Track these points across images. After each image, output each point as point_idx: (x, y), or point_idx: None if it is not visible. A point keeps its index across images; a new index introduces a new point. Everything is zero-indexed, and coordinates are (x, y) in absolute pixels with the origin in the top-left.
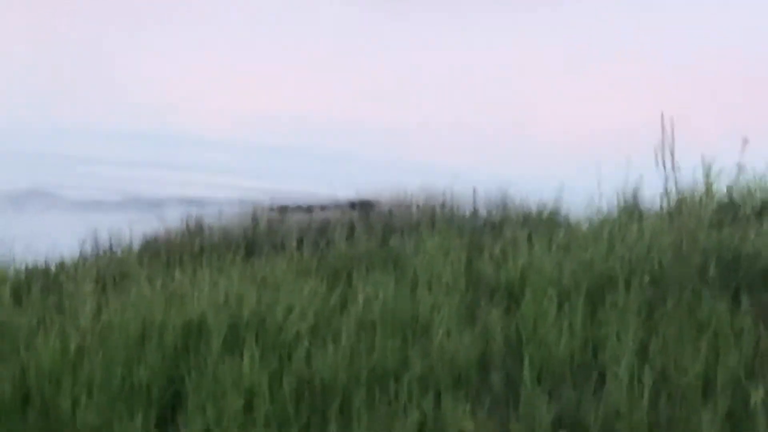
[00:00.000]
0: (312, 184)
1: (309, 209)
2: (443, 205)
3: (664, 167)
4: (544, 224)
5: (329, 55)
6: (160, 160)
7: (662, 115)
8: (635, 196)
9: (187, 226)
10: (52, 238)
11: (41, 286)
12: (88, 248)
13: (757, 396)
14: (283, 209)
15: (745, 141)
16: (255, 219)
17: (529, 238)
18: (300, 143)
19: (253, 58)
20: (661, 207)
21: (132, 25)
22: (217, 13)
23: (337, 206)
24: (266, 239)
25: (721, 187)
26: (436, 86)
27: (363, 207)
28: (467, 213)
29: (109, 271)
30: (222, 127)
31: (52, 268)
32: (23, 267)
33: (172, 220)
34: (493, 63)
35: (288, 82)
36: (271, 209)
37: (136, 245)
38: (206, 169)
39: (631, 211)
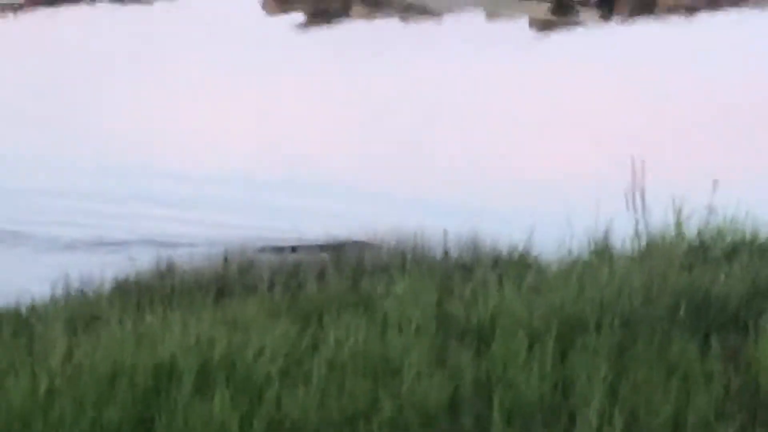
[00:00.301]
0: (286, 220)
1: (280, 250)
2: (414, 247)
3: (635, 209)
4: (515, 266)
5: (303, 88)
6: (131, 195)
7: (632, 158)
8: (606, 238)
9: (158, 267)
10: (22, 280)
11: (12, 329)
12: (59, 290)
13: None
14: (255, 250)
15: (716, 183)
16: (226, 260)
17: (500, 280)
18: (275, 177)
19: (228, 89)
20: (632, 249)
21: (104, 56)
22: (190, 44)
23: (308, 248)
24: (238, 280)
25: (691, 230)
26: (410, 121)
27: (334, 249)
28: (438, 255)
29: (79, 313)
30: (194, 161)
31: (23, 310)
32: None
33: (144, 260)
34: (467, 102)
35: (264, 116)
36: (243, 250)
37: (107, 287)
38: (179, 205)
39: (602, 253)
